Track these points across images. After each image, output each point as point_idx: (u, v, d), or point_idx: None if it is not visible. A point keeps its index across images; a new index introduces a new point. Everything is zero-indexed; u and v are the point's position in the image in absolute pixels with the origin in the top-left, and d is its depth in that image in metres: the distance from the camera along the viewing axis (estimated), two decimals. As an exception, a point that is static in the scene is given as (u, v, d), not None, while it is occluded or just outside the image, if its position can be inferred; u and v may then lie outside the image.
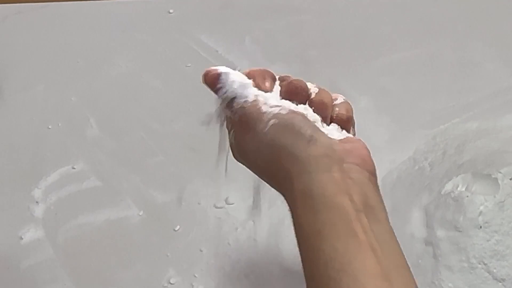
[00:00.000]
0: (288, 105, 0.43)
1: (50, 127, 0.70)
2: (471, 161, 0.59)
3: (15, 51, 0.78)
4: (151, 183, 0.65)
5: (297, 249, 0.40)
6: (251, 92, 0.44)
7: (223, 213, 0.61)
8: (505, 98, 0.69)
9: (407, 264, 0.38)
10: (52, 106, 0.72)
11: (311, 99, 0.45)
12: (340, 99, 0.46)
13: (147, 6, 0.83)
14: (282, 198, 0.42)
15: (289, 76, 0.46)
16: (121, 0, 0.83)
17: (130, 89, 0.73)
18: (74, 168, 0.66)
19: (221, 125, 0.47)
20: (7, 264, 0.59)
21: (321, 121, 0.44)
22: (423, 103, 0.70)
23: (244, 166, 0.46)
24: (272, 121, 0.42)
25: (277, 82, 0.46)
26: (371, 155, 0.42)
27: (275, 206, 0.59)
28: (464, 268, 0.52)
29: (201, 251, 0.59)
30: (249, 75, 0.45)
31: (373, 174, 0.42)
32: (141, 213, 0.62)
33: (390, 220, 0.40)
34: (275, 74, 0.47)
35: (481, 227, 0.53)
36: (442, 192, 0.56)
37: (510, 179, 0.55)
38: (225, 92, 0.44)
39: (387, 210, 0.40)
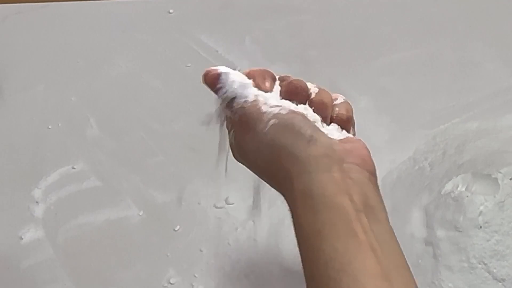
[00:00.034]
0: (288, 105, 0.43)
1: (50, 127, 0.70)
2: (471, 161, 0.59)
3: (15, 51, 0.78)
4: (151, 183, 0.65)
5: (297, 249, 0.40)
6: (251, 92, 0.44)
7: (223, 213, 0.61)
8: (505, 98, 0.69)
9: (407, 264, 0.38)
10: (52, 106, 0.72)
11: (311, 99, 0.45)
12: (340, 99, 0.46)
13: (147, 6, 0.83)
14: (282, 198, 0.42)
15: (289, 76, 0.46)
16: (121, 0, 0.83)
17: (130, 89, 0.73)
18: (74, 168, 0.66)
19: (221, 125, 0.47)
20: (7, 264, 0.59)
21: (321, 121, 0.44)
22: (423, 103, 0.70)
23: (244, 166, 0.46)
24: (272, 121, 0.42)
25: (277, 82, 0.46)
26: (371, 155, 0.42)
27: (275, 206, 0.59)
28: (464, 268, 0.52)
29: (201, 251, 0.59)
30: (249, 75, 0.45)
31: (373, 174, 0.42)
32: (141, 213, 0.62)
33: (390, 220, 0.40)
34: (275, 74, 0.47)
35: (481, 227, 0.53)
36: (442, 192, 0.56)
37: (510, 179, 0.55)
38: (225, 92, 0.44)
39: (387, 210, 0.40)
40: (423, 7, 0.80)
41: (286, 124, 0.42)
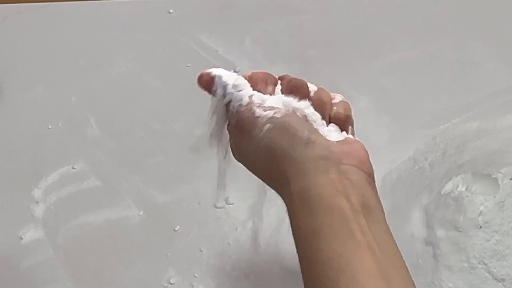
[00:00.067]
0: (289, 101, 0.43)
1: (50, 127, 0.70)
2: (471, 161, 0.59)
3: (15, 51, 0.78)
4: (151, 183, 0.65)
5: (297, 249, 0.40)
6: (246, 94, 0.44)
7: (223, 213, 0.61)
8: (505, 98, 0.70)
9: (405, 265, 0.38)
10: (52, 106, 0.72)
11: (310, 97, 0.45)
12: (338, 98, 0.46)
13: (147, 6, 0.83)
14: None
15: (288, 75, 0.46)
16: (121, 0, 0.83)
17: (130, 89, 0.73)
18: (74, 168, 0.66)
19: (219, 128, 0.47)
20: (7, 264, 0.59)
21: (321, 119, 0.44)
22: (423, 103, 0.70)
23: (244, 167, 0.46)
24: (267, 126, 0.42)
25: (279, 83, 0.46)
26: (371, 155, 0.42)
27: (275, 206, 0.59)
28: (464, 268, 0.52)
29: (201, 251, 0.59)
30: (250, 80, 0.45)
31: (370, 176, 0.41)
32: (141, 213, 0.62)
33: (390, 220, 0.40)
34: (275, 76, 0.47)
35: (481, 227, 0.53)
36: (442, 192, 0.56)
37: (510, 179, 0.55)
38: (220, 95, 0.44)
39: (387, 210, 0.40)
40: (423, 7, 0.80)
41: (282, 127, 0.41)
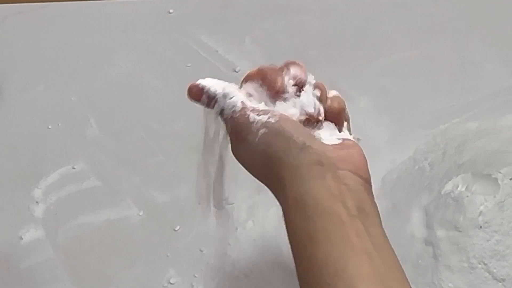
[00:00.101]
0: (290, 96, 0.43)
1: (50, 127, 0.70)
2: (471, 161, 0.59)
3: (15, 51, 0.78)
4: (151, 183, 0.65)
5: (297, 249, 0.40)
6: (237, 100, 0.43)
7: (223, 213, 0.61)
8: (505, 98, 0.69)
9: (402, 269, 0.38)
10: (52, 106, 0.72)
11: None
12: (332, 93, 0.46)
13: (147, 6, 0.83)
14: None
15: (294, 62, 0.46)
16: (121, 0, 0.83)
17: (130, 89, 0.73)
18: (74, 168, 0.66)
19: (215, 137, 0.47)
20: (7, 264, 0.59)
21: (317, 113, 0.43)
22: (423, 103, 0.70)
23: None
24: (262, 131, 0.41)
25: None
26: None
27: (275, 206, 0.59)
28: (464, 268, 0.52)
29: (201, 251, 0.59)
30: (257, 77, 0.45)
31: (367, 181, 0.41)
32: (141, 213, 0.62)
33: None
34: (281, 67, 0.46)
35: (481, 227, 0.53)
36: (442, 192, 0.56)
37: (510, 179, 0.55)
38: (213, 104, 0.44)
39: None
40: (423, 7, 0.80)
41: (277, 132, 0.41)
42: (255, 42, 0.77)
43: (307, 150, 0.40)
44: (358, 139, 0.45)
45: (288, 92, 0.44)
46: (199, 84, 0.45)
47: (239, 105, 0.43)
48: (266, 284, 0.57)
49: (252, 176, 0.45)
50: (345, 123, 0.46)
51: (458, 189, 0.56)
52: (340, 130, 0.45)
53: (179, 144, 0.67)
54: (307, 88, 0.45)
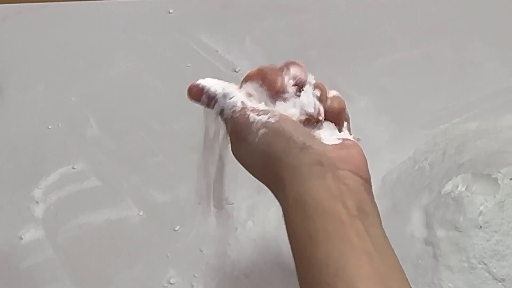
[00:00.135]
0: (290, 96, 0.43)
1: (50, 127, 0.70)
2: (471, 161, 0.59)
3: (15, 51, 0.78)
4: (151, 183, 0.65)
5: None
6: (237, 100, 0.43)
7: (223, 213, 0.61)
8: (505, 98, 0.70)
9: (402, 269, 0.38)
10: (52, 106, 0.72)
11: None
12: (332, 93, 0.46)
13: (147, 6, 0.83)
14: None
15: (294, 62, 0.46)
16: (121, 0, 0.83)
17: (130, 89, 0.73)
18: (74, 168, 0.66)
19: (215, 137, 0.47)
20: (7, 264, 0.59)
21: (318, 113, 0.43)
22: (423, 103, 0.70)
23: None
24: (261, 131, 0.41)
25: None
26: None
27: (275, 206, 0.59)
28: (464, 268, 0.52)
29: (201, 251, 0.59)
30: (257, 77, 0.45)
31: (367, 181, 0.41)
32: (141, 213, 0.62)
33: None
34: (281, 67, 0.46)
35: (481, 227, 0.53)
36: (442, 192, 0.56)
37: (510, 179, 0.55)
38: (213, 104, 0.44)
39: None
40: (423, 7, 0.80)
41: (277, 132, 0.41)
42: (255, 42, 0.77)
43: (307, 150, 0.40)
44: (358, 139, 0.45)
45: (288, 92, 0.44)
46: (199, 84, 0.45)
47: (239, 105, 0.43)
48: (266, 284, 0.57)
49: (252, 176, 0.45)
50: (345, 123, 0.46)
51: (458, 189, 0.56)
52: (340, 130, 0.45)
53: (179, 144, 0.67)
54: (307, 88, 0.45)
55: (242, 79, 0.46)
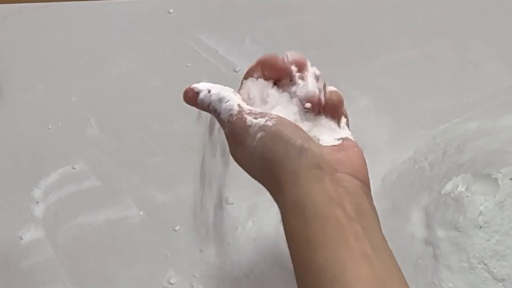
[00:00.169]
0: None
1: (50, 127, 0.70)
2: (471, 161, 0.59)
3: (15, 51, 0.78)
4: (151, 183, 0.65)
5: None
6: (234, 103, 0.43)
7: (223, 213, 0.61)
8: (505, 98, 0.69)
9: (401, 271, 0.38)
10: (52, 106, 0.72)
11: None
12: (330, 88, 0.46)
13: (147, 6, 0.83)
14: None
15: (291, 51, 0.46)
16: (121, 0, 0.83)
17: (130, 89, 0.74)
18: (74, 168, 0.66)
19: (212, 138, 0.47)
20: (7, 264, 0.59)
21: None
22: (423, 103, 0.70)
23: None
24: (259, 134, 0.41)
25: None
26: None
27: (275, 206, 0.59)
28: (464, 268, 0.52)
29: (201, 251, 0.59)
30: (257, 67, 0.45)
31: (366, 184, 0.41)
32: (141, 213, 0.62)
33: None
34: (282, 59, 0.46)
35: (481, 227, 0.53)
36: (442, 192, 0.56)
37: (510, 179, 0.55)
38: (209, 109, 0.44)
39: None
40: (423, 7, 0.80)
41: (274, 136, 0.41)
42: (255, 42, 0.77)
43: (305, 153, 0.40)
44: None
45: (291, 74, 0.45)
46: (194, 88, 0.45)
47: (235, 108, 0.43)
48: (266, 284, 0.57)
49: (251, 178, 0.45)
50: (345, 120, 0.46)
51: (458, 189, 0.56)
52: (339, 125, 0.45)
53: (179, 144, 0.67)
54: (309, 76, 0.45)
55: (242, 78, 0.46)
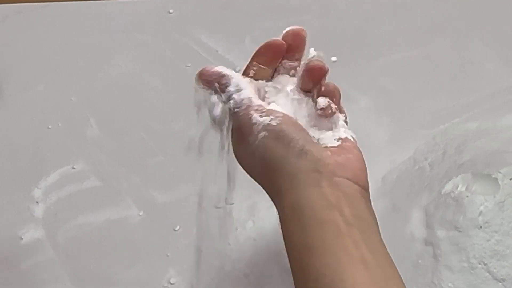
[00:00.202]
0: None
1: (50, 127, 0.70)
2: (471, 161, 0.59)
3: (15, 51, 0.78)
4: (151, 183, 0.65)
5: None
6: (246, 96, 0.43)
7: (223, 213, 0.61)
8: (505, 98, 0.69)
9: (400, 276, 0.37)
10: (52, 106, 0.72)
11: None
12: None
13: (147, 6, 0.83)
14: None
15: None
16: (121, 0, 0.83)
17: (130, 89, 0.74)
18: (74, 168, 0.66)
19: (223, 125, 0.47)
20: (7, 264, 0.59)
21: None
22: (423, 103, 0.70)
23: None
24: (262, 134, 0.41)
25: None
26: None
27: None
28: (464, 268, 0.52)
29: (201, 251, 0.59)
30: (259, 52, 0.45)
31: (365, 188, 0.41)
32: (141, 213, 0.62)
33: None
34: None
35: (481, 227, 0.53)
36: (442, 192, 0.56)
37: (510, 179, 0.55)
38: (223, 94, 0.44)
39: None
40: (423, 7, 0.80)
41: (277, 136, 0.41)
42: (255, 42, 0.76)
43: (305, 156, 0.40)
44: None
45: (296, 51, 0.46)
46: (214, 69, 0.45)
47: (245, 102, 0.43)
48: (266, 284, 0.57)
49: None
50: (343, 117, 0.45)
51: (458, 189, 0.56)
52: (337, 122, 0.45)
53: (179, 144, 0.67)
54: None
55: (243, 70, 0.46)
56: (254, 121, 0.42)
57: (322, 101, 0.43)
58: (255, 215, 0.61)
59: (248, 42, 0.77)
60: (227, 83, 0.44)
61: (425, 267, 0.54)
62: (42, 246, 0.60)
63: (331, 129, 0.44)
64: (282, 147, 0.41)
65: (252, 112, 0.42)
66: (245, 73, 0.47)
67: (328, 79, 0.46)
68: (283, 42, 0.46)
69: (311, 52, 0.45)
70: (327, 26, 0.79)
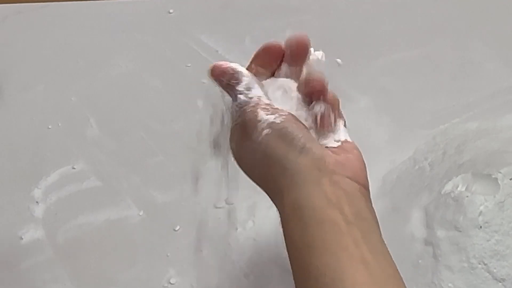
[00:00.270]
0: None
1: (50, 127, 0.70)
2: (471, 161, 0.59)
3: (15, 51, 0.78)
4: (151, 183, 0.64)
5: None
6: (255, 95, 0.43)
7: (223, 213, 0.61)
8: (505, 98, 0.69)
9: (400, 276, 0.37)
10: (52, 106, 0.72)
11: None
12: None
13: (147, 6, 0.83)
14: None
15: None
16: (121, 0, 0.83)
17: (130, 89, 0.73)
18: (74, 168, 0.66)
19: (226, 125, 0.47)
20: (7, 264, 0.59)
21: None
22: (423, 103, 0.70)
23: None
24: (265, 131, 0.41)
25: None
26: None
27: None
28: (464, 268, 0.52)
29: (201, 251, 0.59)
30: (258, 54, 0.46)
31: (365, 187, 0.41)
32: (141, 213, 0.62)
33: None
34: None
35: (481, 227, 0.53)
36: (442, 192, 0.56)
37: (510, 179, 0.55)
38: (233, 92, 0.44)
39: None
40: (423, 7, 0.80)
41: (280, 134, 0.41)
42: (255, 42, 0.76)
43: (306, 153, 0.40)
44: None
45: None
46: (227, 65, 0.45)
47: (254, 100, 0.43)
48: (266, 284, 0.57)
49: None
50: (342, 121, 0.46)
51: (458, 189, 0.56)
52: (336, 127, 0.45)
53: (179, 144, 0.67)
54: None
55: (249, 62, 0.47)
56: (259, 118, 0.42)
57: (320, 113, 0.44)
58: (255, 215, 0.61)
59: (248, 42, 0.77)
60: (239, 80, 0.44)
61: (425, 267, 0.54)
62: (42, 246, 0.60)
63: (331, 131, 0.44)
64: (284, 145, 0.41)
65: (259, 110, 0.42)
66: None
67: (328, 79, 0.46)
68: (281, 44, 0.46)
69: (311, 53, 0.45)
70: (327, 26, 0.79)
